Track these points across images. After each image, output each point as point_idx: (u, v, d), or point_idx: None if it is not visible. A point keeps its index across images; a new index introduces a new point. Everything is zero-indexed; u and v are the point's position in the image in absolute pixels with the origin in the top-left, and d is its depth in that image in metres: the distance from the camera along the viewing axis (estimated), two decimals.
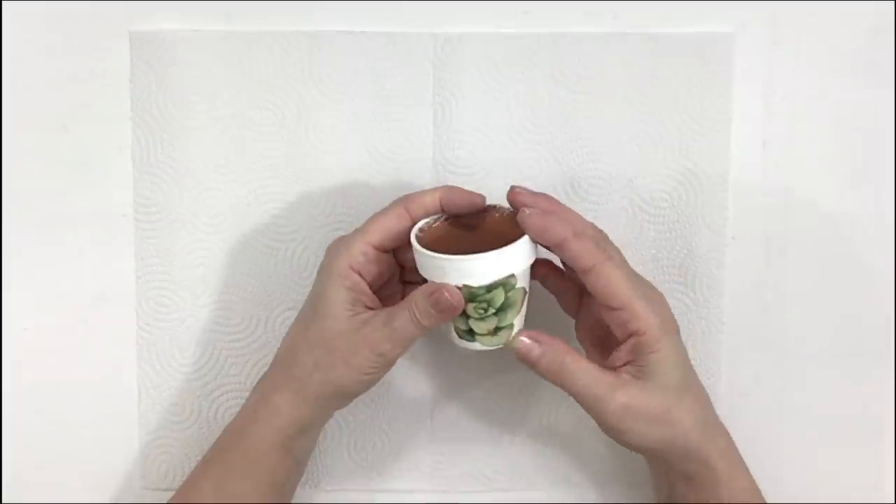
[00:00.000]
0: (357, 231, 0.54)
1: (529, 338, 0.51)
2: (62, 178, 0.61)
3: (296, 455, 0.55)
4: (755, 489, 0.54)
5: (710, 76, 0.61)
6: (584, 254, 0.50)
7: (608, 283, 0.50)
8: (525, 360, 0.52)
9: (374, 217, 0.54)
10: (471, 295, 0.51)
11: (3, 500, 0.62)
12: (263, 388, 0.55)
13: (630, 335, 0.51)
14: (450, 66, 0.60)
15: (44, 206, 0.61)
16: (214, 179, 0.61)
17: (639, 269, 0.61)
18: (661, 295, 0.53)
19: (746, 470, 0.54)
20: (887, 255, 0.62)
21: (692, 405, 0.52)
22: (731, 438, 0.55)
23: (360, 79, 0.60)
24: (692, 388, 0.53)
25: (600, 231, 0.54)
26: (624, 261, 0.53)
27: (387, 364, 0.53)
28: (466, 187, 0.57)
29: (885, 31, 0.61)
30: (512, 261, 0.50)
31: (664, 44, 0.60)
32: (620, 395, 0.50)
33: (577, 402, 0.51)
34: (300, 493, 0.60)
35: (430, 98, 0.61)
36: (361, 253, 0.53)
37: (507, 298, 0.51)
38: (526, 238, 0.51)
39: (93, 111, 0.61)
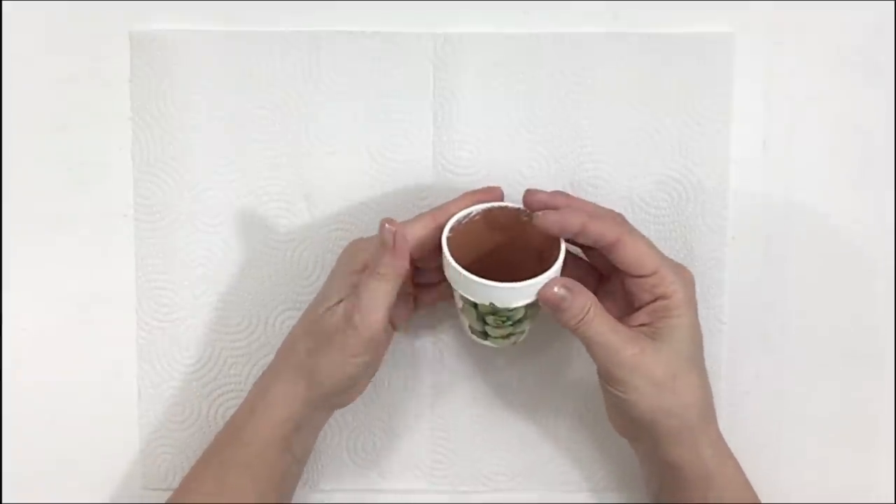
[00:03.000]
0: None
1: (563, 286, 0.51)
2: (62, 178, 0.61)
3: (294, 452, 0.55)
4: (747, 485, 0.54)
5: (710, 76, 0.61)
6: (605, 230, 0.51)
7: (634, 251, 0.51)
8: (554, 308, 0.51)
9: (400, 224, 0.54)
10: (493, 309, 0.52)
11: (3, 501, 0.62)
12: (263, 381, 0.56)
13: (656, 299, 0.52)
14: (450, 66, 0.60)
15: (44, 206, 0.61)
16: (214, 179, 0.61)
17: None
18: (688, 271, 0.54)
19: (737, 465, 0.54)
20: (887, 255, 0.62)
21: (697, 382, 0.53)
22: (721, 434, 0.55)
23: (360, 79, 0.61)
24: (700, 367, 0.54)
25: (619, 214, 0.55)
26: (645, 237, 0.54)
27: (373, 346, 0.53)
28: (466, 187, 0.57)
29: (885, 31, 0.61)
30: (539, 288, 0.51)
31: (664, 44, 0.60)
32: (634, 347, 0.51)
33: (591, 352, 0.52)
34: (299, 493, 0.60)
35: (430, 98, 0.61)
36: None
37: (526, 313, 0.52)
38: (555, 268, 0.51)
39: (93, 111, 0.61)
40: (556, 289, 0.51)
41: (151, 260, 0.61)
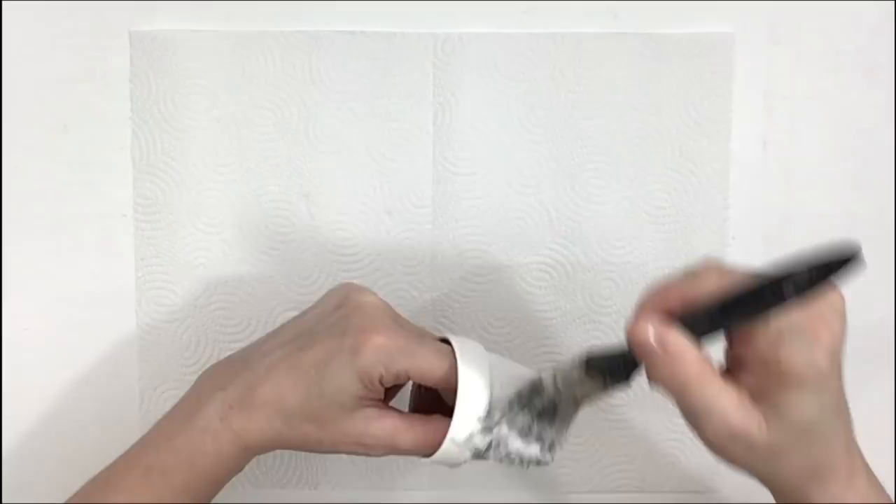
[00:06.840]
0: (404, 351, 0.48)
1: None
2: (62, 178, 0.61)
3: None
4: None
5: (710, 76, 0.61)
6: None
7: None
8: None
9: (427, 353, 0.48)
10: None
11: (3, 501, 0.62)
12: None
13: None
14: (450, 66, 0.60)
15: (44, 206, 0.61)
16: (214, 179, 0.61)
17: (639, 269, 0.61)
18: None
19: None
20: (887, 255, 0.62)
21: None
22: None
23: (360, 79, 0.61)
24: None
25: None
26: None
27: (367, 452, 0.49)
28: (466, 187, 0.57)
29: (885, 31, 0.61)
30: None
31: (664, 44, 0.60)
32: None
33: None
34: (300, 494, 0.60)
35: (430, 98, 0.61)
36: (394, 377, 0.48)
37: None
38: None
39: (93, 111, 0.61)
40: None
41: (151, 260, 0.61)
